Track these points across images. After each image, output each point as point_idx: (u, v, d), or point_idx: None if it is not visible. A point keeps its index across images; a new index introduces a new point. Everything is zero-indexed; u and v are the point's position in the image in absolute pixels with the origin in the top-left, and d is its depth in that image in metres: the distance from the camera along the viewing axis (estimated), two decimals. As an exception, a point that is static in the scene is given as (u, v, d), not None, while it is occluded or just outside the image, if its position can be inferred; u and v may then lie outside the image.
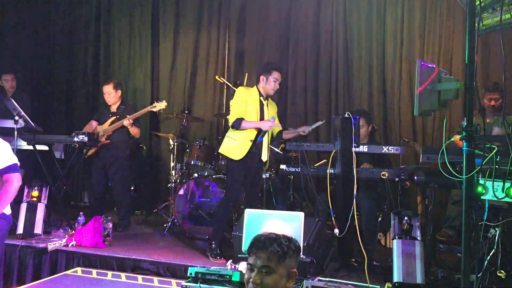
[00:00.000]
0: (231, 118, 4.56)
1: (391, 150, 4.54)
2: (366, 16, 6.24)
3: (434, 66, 2.85)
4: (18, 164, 3.47)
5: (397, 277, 3.69)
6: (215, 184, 5.29)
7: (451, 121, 5.62)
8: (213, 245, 4.51)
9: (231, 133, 4.62)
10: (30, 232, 4.81)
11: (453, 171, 2.65)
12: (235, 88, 6.40)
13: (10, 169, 3.39)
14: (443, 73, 2.82)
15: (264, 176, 5.14)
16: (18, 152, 5.08)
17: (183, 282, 3.40)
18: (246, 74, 6.50)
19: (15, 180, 3.38)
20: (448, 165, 2.60)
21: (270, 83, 4.63)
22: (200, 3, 7.01)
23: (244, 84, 6.45)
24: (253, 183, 4.75)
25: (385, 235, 4.97)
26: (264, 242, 2.06)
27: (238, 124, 4.52)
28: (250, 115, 4.57)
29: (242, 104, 4.57)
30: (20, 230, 4.80)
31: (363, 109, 5.82)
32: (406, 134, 5.89)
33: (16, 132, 5.06)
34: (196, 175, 5.51)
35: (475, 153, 2.60)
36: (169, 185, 5.73)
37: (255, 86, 4.71)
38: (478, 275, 2.79)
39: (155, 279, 4.18)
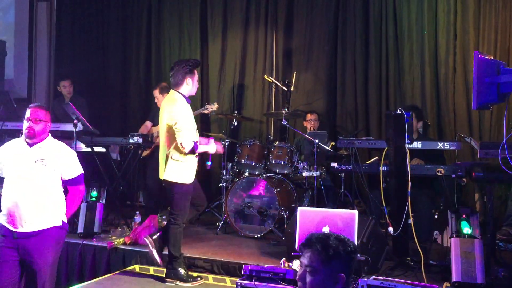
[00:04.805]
0: (188, 143, 3.86)
1: (447, 146, 4.42)
2: (416, 8, 6.07)
3: (492, 58, 2.75)
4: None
5: (456, 276, 3.59)
6: (266, 183, 5.32)
7: (509, 115, 5.38)
8: (180, 270, 4.06)
9: (175, 155, 3.97)
10: (90, 231, 5.00)
11: (515, 167, 2.56)
12: (284, 88, 6.46)
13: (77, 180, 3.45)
14: (501, 64, 2.72)
15: (314, 174, 5.11)
16: (77, 154, 5.31)
17: (239, 280, 3.45)
18: (295, 72, 6.49)
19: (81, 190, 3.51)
20: (510, 160, 2.51)
21: (196, 84, 4.13)
22: (247, 2, 7.04)
23: (293, 82, 6.45)
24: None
25: (442, 233, 4.83)
26: (311, 241, 2.00)
27: (196, 149, 3.94)
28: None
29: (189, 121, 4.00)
30: (80, 229, 5.01)
31: (413, 104, 5.68)
32: (461, 129, 5.69)
33: (75, 135, 5.27)
34: (247, 174, 5.57)
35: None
36: (220, 184, 5.81)
37: (176, 93, 4.05)
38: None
39: (210, 276, 4.26)
